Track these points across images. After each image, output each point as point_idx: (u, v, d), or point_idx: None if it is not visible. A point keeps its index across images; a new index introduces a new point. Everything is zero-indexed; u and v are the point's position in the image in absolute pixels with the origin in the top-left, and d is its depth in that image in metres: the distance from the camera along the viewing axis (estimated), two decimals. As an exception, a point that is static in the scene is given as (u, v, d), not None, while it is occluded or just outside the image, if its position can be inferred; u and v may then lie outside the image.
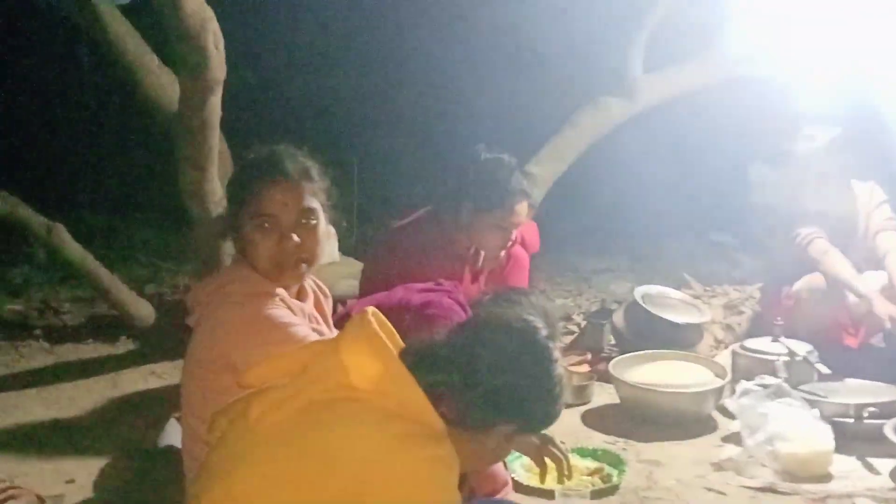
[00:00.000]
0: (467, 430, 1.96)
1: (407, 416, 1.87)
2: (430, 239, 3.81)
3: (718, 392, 3.96)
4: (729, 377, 4.04)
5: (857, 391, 3.88)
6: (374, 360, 1.90)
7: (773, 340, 4.16)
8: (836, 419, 3.62)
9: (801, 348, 4.10)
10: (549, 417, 2.06)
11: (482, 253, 3.91)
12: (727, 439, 3.76)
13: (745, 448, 3.56)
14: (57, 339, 5.18)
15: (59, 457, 3.68)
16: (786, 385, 3.73)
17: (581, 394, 4.17)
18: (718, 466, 3.52)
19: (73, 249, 4.90)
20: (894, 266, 4.41)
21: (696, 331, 4.70)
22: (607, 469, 3.44)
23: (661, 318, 4.58)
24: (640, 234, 6.95)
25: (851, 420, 3.66)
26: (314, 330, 2.60)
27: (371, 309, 2.01)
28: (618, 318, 4.74)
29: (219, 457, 1.94)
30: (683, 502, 3.28)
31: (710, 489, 3.36)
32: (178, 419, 3.06)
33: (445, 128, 7.38)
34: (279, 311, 2.53)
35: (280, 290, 2.58)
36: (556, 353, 2.02)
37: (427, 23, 8.15)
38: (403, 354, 1.96)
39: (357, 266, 4.43)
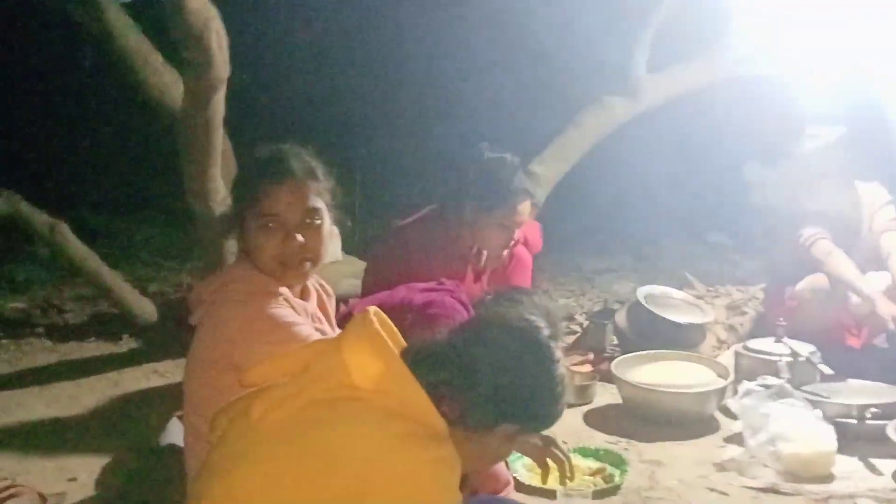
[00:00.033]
0: (469, 430, 1.96)
1: (408, 415, 1.87)
2: (433, 238, 3.80)
3: (721, 392, 3.95)
4: (731, 377, 4.04)
5: (860, 392, 3.87)
6: (375, 359, 1.90)
7: (776, 341, 4.15)
8: (839, 420, 3.61)
9: (804, 349, 4.09)
10: (551, 417, 2.06)
11: (485, 252, 3.90)
12: (729, 440, 3.76)
13: (748, 448, 3.56)
14: (59, 337, 5.19)
15: (61, 455, 3.68)
16: (788, 385, 3.73)
17: (583, 394, 4.17)
18: (721, 467, 3.52)
19: (76, 248, 4.90)
20: (898, 267, 4.41)
21: (698, 331, 4.70)
22: (609, 469, 3.44)
23: (663, 318, 4.58)
24: (643, 234, 6.94)
25: (854, 421, 3.66)
26: (317, 329, 2.60)
27: (373, 308, 2.01)
28: (620, 318, 4.74)
29: (220, 455, 1.94)
30: (685, 502, 3.27)
31: (712, 489, 3.35)
32: (181, 418, 3.05)
33: (448, 127, 7.37)
34: (282, 311, 2.53)
35: (283, 289, 2.58)
36: (558, 353, 2.02)
37: (430, 21, 8.16)
38: (405, 354, 1.96)
39: (359, 265, 4.43)
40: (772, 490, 3.33)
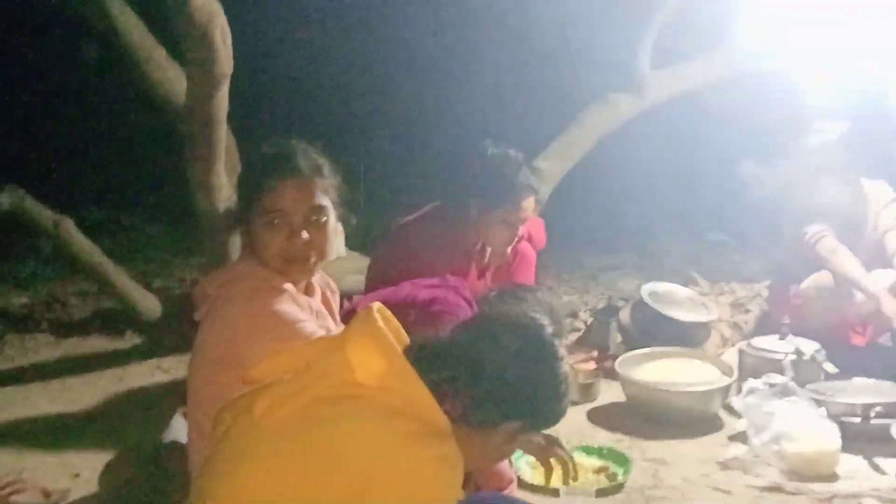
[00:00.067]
0: (472, 427, 1.95)
1: (412, 413, 1.86)
2: (437, 235, 3.80)
3: (725, 391, 3.95)
4: (735, 376, 4.04)
5: (865, 390, 3.86)
6: (378, 356, 1.90)
7: (781, 339, 4.15)
8: (843, 418, 3.61)
9: (809, 347, 4.09)
10: (555, 415, 2.06)
11: (489, 249, 3.90)
12: (733, 438, 3.76)
13: (752, 447, 3.56)
14: (63, 332, 5.19)
15: (64, 451, 3.69)
16: (793, 384, 3.72)
17: (587, 392, 4.17)
18: (724, 465, 3.52)
19: (81, 243, 4.90)
20: (903, 265, 4.40)
21: (703, 329, 4.69)
22: (613, 467, 3.44)
23: (667, 315, 4.57)
24: (647, 231, 6.93)
25: (858, 419, 3.66)
26: (321, 326, 2.59)
27: (376, 305, 2.01)
28: (624, 315, 4.73)
29: (223, 452, 1.94)
30: (689, 501, 3.27)
31: (715, 488, 3.35)
32: (184, 414, 3.06)
33: (452, 123, 7.36)
34: (287, 307, 2.53)
35: (288, 286, 2.58)
36: (562, 351, 2.02)
37: (434, 18, 8.14)
38: (408, 351, 1.96)
39: (363, 261, 4.42)
40: (775, 489, 3.32)
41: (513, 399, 1.96)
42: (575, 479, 2.77)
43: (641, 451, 3.67)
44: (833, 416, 3.58)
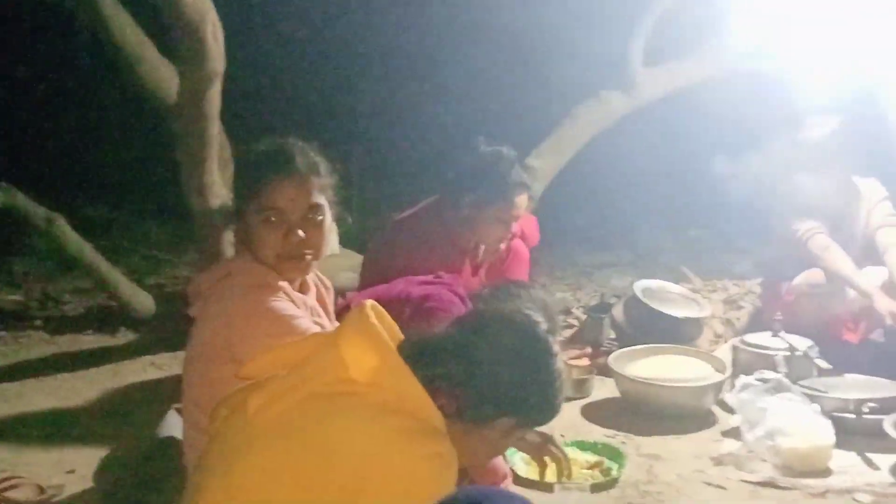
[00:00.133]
0: (466, 424, 1.96)
1: (405, 410, 1.86)
2: (431, 231, 3.80)
3: (718, 387, 3.96)
4: (729, 372, 4.04)
5: (857, 386, 3.87)
6: (372, 353, 1.90)
7: (773, 335, 4.16)
8: (836, 414, 3.62)
9: (801, 343, 4.10)
10: (549, 412, 2.06)
11: (482, 246, 3.90)
12: (727, 434, 3.76)
13: (745, 443, 3.56)
14: (57, 329, 5.19)
15: (59, 447, 3.69)
16: (785, 380, 3.73)
17: (581, 387, 4.18)
18: (718, 461, 3.52)
19: (73, 241, 4.90)
20: (895, 262, 4.40)
21: (695, 325, 4.70)
22: (607, 463, 3.44)
23: (660, 312, 4.58)
24: (640, 228, 6.94)
25: (851, 415, 3.66)
26: (316, 323, 2.60)
27: (370, 302, 2.01)
28: (618, 312, 4.74)
29: (218, 450, 1.94)
30: (683, 497, 3.28)
31: (709, 484, 3.36)
32: (179, 410, 3.06)
33: (445, 120, 7.36)
34: (282, 304, 2.53)
35: (283, 283, 2.58)
36: (556, 348, 2.02)
37: (427, 15, 8.14)
38: (402, 347, 1.96)
39: (357, 258, 4.43)
40: (769, 484, 3.33)
41: (507, 395, 1.97)
42: (569, 476, 2.78)
43: (635, 446, 3.67)
44: (826, 412, 3.59)
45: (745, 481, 3.36)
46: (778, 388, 3.65)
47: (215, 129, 3.87)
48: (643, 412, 3.93)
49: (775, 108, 4.86)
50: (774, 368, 3.91)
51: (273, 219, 2.55)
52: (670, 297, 4.76)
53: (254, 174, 2.60)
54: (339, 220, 2.75)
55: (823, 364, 4.03)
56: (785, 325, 4.19)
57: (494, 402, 1.96)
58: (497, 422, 1.99)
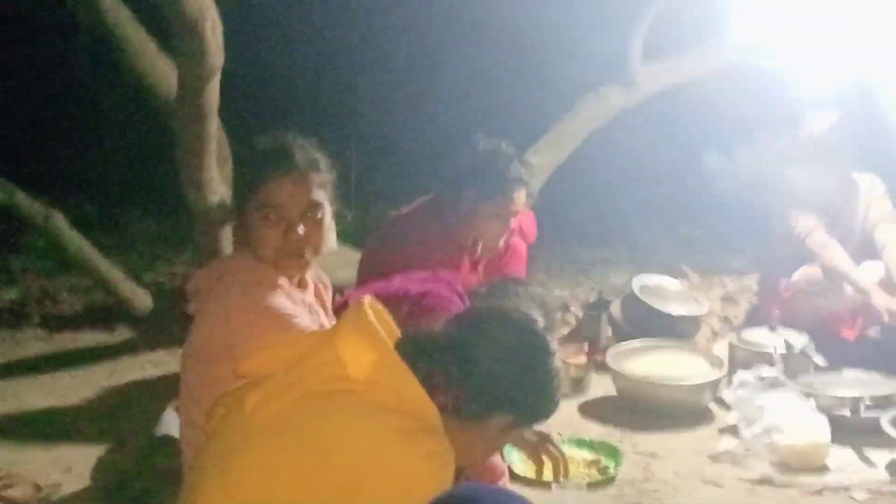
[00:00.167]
0: (463, 421, 1.96)
1: (403, 408, 1.86)
2: (429, 228, 3.80)
3: (715, 384, 3.96)
4: (726, 369, 4.05)
5: (854, 383, 3.88)
6: (369, 351, 1.90)
7: (771, 332, 4.16)
8: (833, 411, 3.62)
9: (798, 340, 4.10)
10: (547, 409, 2.06)
11: (480, 242, 3.90)
12: (724, 431, 3.77)
13: (742, 440, 3.57)
14: (54, 327, 5.18)
15: (56, 445, 3.68)
16: (783, 377, 3.74)
17: (578, 385, 4.17)
18: (715, 458, 3.53)
19: (71, 238, 4.89)
20: (893, 259, 4.41)
21: (693, 322, 4.71)
22: (604, 460, 3.44)
23: (658, 309, 4.58)
24: (638, 224, 6.93)
25: (848, 412, 3.67)
26: (314, 321, 2.59)
27: (368, 299, 2.01)
28: (615, 309, 4.74)
29: (215, 448, 1.94)
30: (680, 494, 3.28)
31: (707, 481, 3.36)
32: (176, 408, 3.05)
33: (444, 117, 7.35)
34: (280, 301, 2.52)
35: (281, 280, 2.57)
36: (554, 345, 2.02)
37: (427, 11, 8.12)
38: (400, 345, 1.96)
39: (355, 255, 4.42)
40: (766, 481, 3.34)
41: (504, 393, 1.97)
42: (566, 474, 2.78)
43: (633, 444, 3.68)
44: (823, 409, 3.59)
45: (742, 478, 3.38)
46: (775, 385, 3.67)
47: (214, 126, 3.86)
48: (640, 410, 3.93)
49: (774, 106, 4.86)
50: (772, 365, 3.91)
51: (272, 216, 2.54)
52: (668, 293, 4.76)
53: (253, 171, 2.58)
54: (339, 217, 2.74)
55: (820, 361, 4.04)
56: (782, 321, 4.19)
57: (492, 399, 1.96)
58: (494, 419, 1.99)
